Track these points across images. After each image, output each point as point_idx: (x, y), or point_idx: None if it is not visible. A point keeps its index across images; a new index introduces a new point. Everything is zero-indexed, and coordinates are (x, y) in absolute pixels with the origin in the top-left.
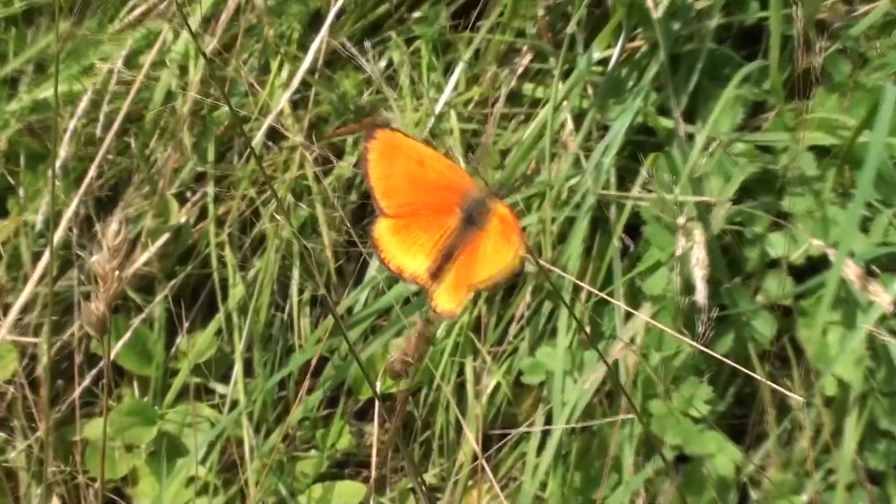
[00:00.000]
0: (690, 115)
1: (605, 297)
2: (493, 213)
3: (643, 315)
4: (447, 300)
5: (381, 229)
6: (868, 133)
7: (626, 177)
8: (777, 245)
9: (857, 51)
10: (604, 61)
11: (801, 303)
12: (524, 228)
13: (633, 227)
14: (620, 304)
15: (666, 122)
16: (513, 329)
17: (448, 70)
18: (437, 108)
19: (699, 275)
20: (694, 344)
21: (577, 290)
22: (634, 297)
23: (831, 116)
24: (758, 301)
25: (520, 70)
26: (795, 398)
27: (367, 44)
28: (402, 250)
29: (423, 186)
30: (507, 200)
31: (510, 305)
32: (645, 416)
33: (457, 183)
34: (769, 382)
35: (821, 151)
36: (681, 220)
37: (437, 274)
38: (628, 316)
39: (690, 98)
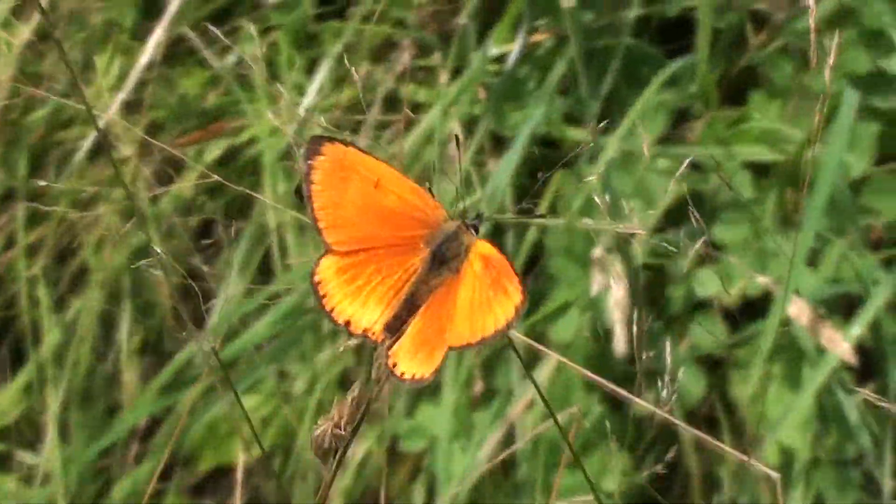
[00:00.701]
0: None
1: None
2: (470, 250)
3: (547, 367)
4: (412, 363)
5: (326, 270)
6: (818, 148)
7: (526, 199)
8: (707, 282)
9: (802, 49)
10: (501, 58)
11: (735, 353)
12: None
13: (536, 261)
14: (529, 343)
15: (575, 133)
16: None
17: (312, 67)
18: (299, 114)
19: (618, 319)
20: (621, 394)
21: None
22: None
23: (772, 127)
24: (683, 351)
25: (399, 68)
26: (753, 467)
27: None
28: (351, 297)
29: (381, 216)
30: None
31: None
32: (548, 494)
33: (423, 211)
34: (713, 440)
35: (759, 169)
36: (596, 253)
37: (395, 328)
38: (527, 369)
39: (604, 103)
